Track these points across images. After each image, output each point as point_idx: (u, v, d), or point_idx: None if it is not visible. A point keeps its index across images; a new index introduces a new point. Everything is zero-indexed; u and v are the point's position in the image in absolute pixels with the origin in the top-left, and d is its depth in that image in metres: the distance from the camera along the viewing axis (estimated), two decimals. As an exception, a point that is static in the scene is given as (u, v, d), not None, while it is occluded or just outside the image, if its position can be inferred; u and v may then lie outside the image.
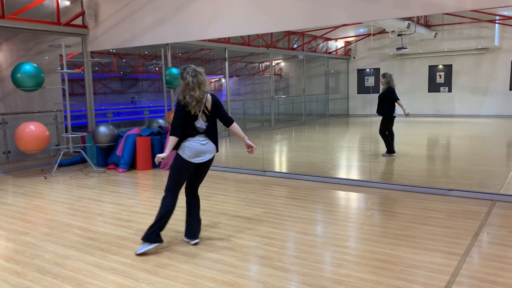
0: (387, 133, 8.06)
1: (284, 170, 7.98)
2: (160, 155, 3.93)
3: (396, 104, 8.12)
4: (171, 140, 3.92)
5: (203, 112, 3.95)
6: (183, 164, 3.94)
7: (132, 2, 8.12)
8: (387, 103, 8.02)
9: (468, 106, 13.71)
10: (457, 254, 3.67)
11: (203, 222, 4.59)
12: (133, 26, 8.17)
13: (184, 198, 4.16)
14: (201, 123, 3.96)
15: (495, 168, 7.69)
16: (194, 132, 3.94)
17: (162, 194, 3.95)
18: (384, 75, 8.19)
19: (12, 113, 8.84)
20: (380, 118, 8.10)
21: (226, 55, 12.04)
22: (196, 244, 4.07)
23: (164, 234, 4.37)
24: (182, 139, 3.95)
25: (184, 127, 3.91)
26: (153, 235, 3.88)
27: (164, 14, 7.73)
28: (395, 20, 10.15)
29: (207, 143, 4.01)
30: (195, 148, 3.93)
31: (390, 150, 8.11)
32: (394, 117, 8.19)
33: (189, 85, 3.85)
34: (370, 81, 13.16)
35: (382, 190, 5.95)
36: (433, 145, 10.89)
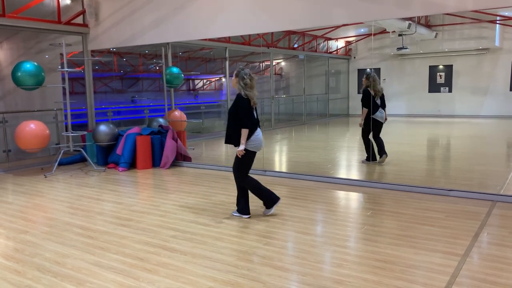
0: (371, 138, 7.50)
1: (284, 169, 7.98)
2: (239, 149, 4.64)
3: (377, 107, 7.43)
4: (245, 132, 4.62)
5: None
6: (252, 155, 4.78)
7: (132, 1, 8.12)
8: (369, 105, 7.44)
9: (468, 106, 13.72)
10: (457, 254, 3.67)
11: (203, 221, 4.69)
12: (134, 25, 8.17)
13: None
14: (255, 116, 4.80)
15: (495, 168, 7.69)
16: (257, 123, 4.78)
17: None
18: (367, 76, 7.46)
19: (12, 112, 8.84)
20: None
21: (227, 55, 12.04)
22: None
23: (163, 233, 4.38)
24: (239, 132, 4.64)
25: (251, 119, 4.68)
26: (241, 208, 4.86)
27: (165, 13, 7.73)
28: (396, 20, 10.15)
29: (260, 133, 4.85)
30: (260, 139, 4.78)
31: (372, 156, 7.56)
32: (377, 121, 7.47)
33: (248, 85, 4.67)
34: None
35: (382, 190, 5.95)
36: (433, 145, 10.89)
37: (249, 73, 4.70)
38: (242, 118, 4.61)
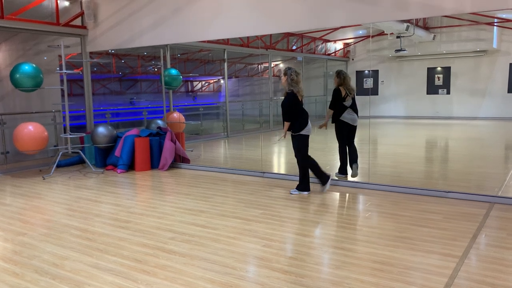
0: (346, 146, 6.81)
1: (282, 171, 7.98)
2: (280, 137, 5.91)
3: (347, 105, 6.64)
4: (287, 125, 5.72)
5: None
6: (306, 139, 5.77)
7: (131, 3, 8.13)
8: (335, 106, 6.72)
9: (466, 108, 13.76)
10: (455, 256, 3.67)
11: (201, 223, 4.70)
12: (132, 27, 8.18)
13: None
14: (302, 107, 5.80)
15: (493, 170, 7.71)
16: (306, 114, 5.72)
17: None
18: (337, 74, 6.74)
19: (11, 114, 8.84)
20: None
21: (225, 56, 12.06)
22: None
23: (161, 235, 4.38)
24: (298, 122, 5.66)
25: (297, 112, 5.65)
26: (303, 186, 5.91)
27: (163, 15, 7.74)
28: (394, 22, 10.18)
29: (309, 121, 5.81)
30: (310, 127, 5.79)
31: (343, 169, 6.88)
32: (345, 123, 6.67)
33: (294, 80, 5.63)
34: (368, 83, 13.18)
35: (380, 192, 5.96)
36: (432, 147, 10.91)
37: (295, 70, 5.65)
38: (286, 112, 5.64)
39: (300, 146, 5.77)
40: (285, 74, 5.67)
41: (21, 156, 8.54)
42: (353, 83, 6.91)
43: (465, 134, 12.43)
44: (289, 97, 5.65)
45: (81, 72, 9.26)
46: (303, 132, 5.70)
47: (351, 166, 6.84)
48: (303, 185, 5.92)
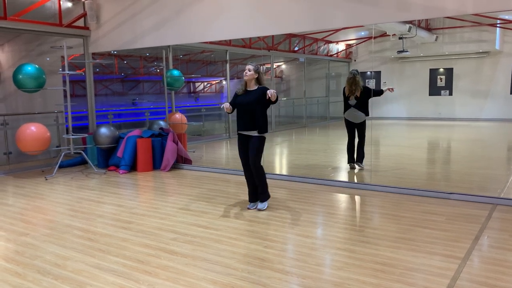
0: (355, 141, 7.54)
1: (284, 172, 7.98)
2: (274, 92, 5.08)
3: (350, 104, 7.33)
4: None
5: None
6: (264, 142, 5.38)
7: (133, 4, 8.15)
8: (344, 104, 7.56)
9: (468, 109, 13.73)
10: (457, 257, 3.67)
11: (203, 224, 4.70)
12: (135, 28, 8.19)
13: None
14: None
15: (496, 171, 7.69)
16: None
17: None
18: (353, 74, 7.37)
19: (13, 114, 8.86)
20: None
21: (227, 57, 12.07)
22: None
23: (163, 235, 4.39)
24: (265, 121, 5.38)
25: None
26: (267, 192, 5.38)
27: (166, 16, 7.75)
28: (396, 23, 10.17)
29: None
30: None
31: (350, 157, 7.61)
32: (347, 120, 7.46)
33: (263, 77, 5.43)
34: (371, 84, 13.17)
35: (382, 193, 5.95)
36: (434, 148, 10.89)
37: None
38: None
39: (262, 148, 5.36)
40: (256, 71, 5.33)
41: (24, 157, 8.56)
42: (358, 83, 7.24)
43: (468, 135, 12.40)
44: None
45: (83, 73, 9.28)
46: (266, 135, 5.40)
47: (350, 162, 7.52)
48: (267, 192, 5.41)
